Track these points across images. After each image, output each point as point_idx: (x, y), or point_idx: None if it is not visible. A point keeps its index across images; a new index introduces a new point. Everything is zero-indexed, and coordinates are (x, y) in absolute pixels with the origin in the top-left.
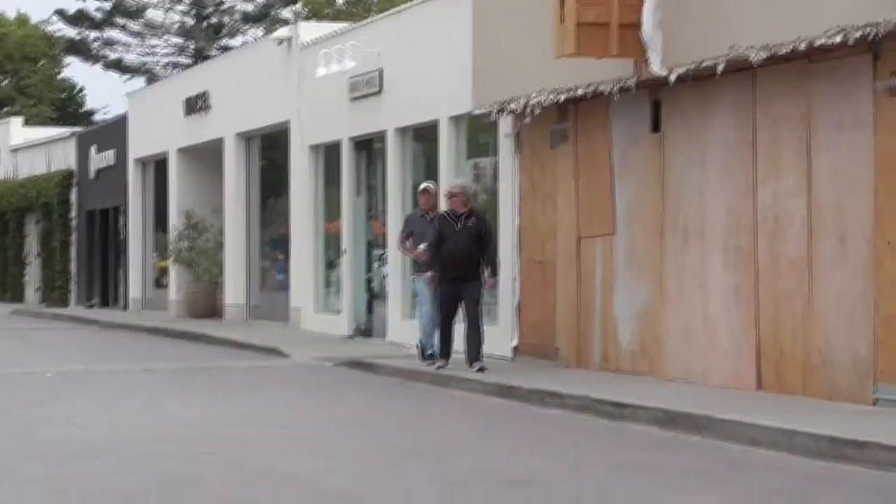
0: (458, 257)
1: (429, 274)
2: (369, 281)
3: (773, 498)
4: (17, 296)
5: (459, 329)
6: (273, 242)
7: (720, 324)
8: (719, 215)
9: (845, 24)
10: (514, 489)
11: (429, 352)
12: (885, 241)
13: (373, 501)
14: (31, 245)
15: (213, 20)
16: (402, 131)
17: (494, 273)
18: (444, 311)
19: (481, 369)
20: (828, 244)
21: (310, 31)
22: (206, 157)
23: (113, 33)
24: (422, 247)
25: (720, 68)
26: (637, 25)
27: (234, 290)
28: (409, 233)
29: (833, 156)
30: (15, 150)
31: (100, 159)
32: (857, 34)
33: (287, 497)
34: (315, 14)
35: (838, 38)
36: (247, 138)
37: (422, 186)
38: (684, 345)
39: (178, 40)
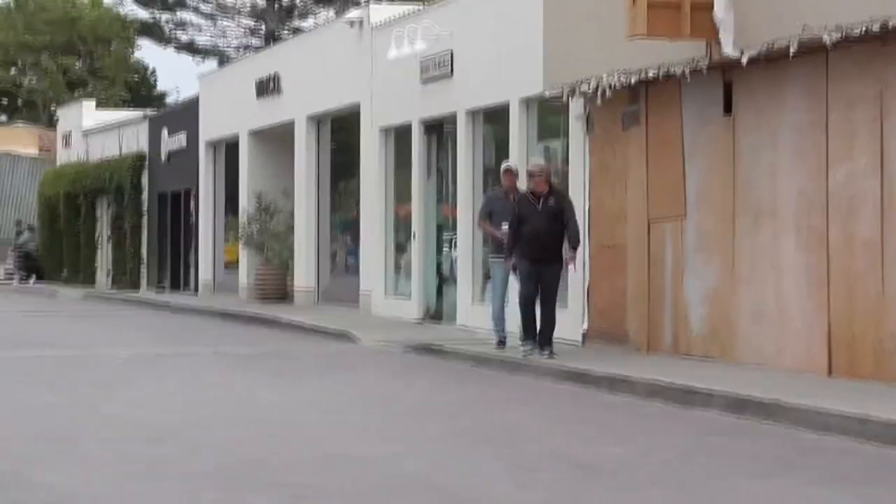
0: (538, 238)
1: (509, 262)
2: (439, 265)
3: (844, 483)
4: (89, 279)
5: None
6: (343, 225)
7: (792, 306)
8: (791, 197)
9: None
10: (585, 474)
11: (498, 337)
12: None
13: (445, 485)
14: (103, 228)
15: (285, 2)
16: (472, 113)
17: (574, 246)
18: (524, 292)
19: (550, 355)
20: None
21: (381, 12)
22: (277, 139)
23: (185, 15)
24: (504, 227)
25: (792, 49)
26: (709, 6)
27: (304, 273)
28: (490, 212)
29: None
30: (87, 133)
31: (171, 142)
32: None
33: (359, 481)
34: None
35: None
36: (317, 120)
37: (504, 165)
38: (755, 327)
39: (249, 22)
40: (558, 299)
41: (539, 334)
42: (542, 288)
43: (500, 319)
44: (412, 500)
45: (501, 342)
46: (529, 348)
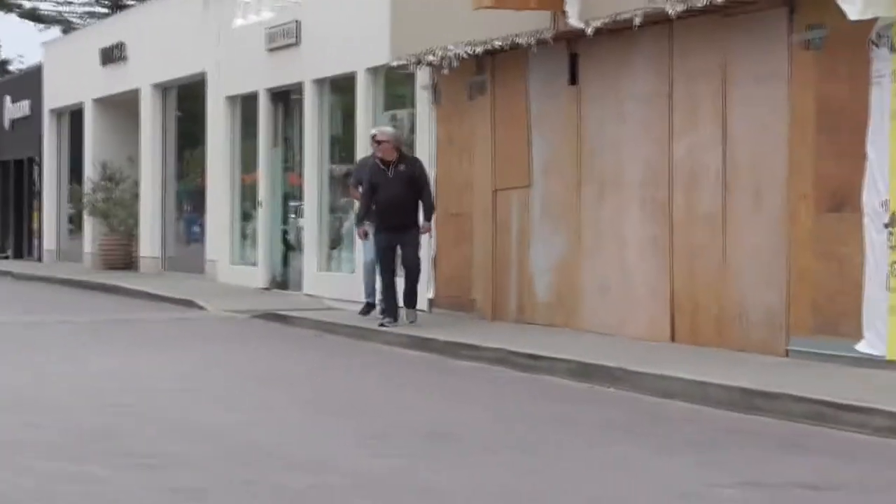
0: (392, 206)
1: (360, 229)
2: (285, 233)
3: (686, 448)
4: None
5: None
6: (189, 194)
7: (636, 276)
8: (636, 168)
9: None
10: (433, 441)
11: (366, 300)
12: (799, 194)
13: (293, 453)
14: None
15: None
16: (319, 83)
17: (428, 217)
18: (383, 264)
19: (414, 320)
20: (742, 197)
21: None
22: (123, 108)
23: None
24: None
25: (637, 21)
26: None
27: (149, 241)
28: (360, 179)
29: (749, 109)
30: None
31: (14, 109)
32: None
33: (206, 450)
34: None
35: None
36: (163, 89)
37: (372, 132)
38: (600, 297)
39: None
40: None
41: (404, 298)
42: (403, 254)
43: (369, 284)
44: (260, 469)
45: (369, 306)
46: (389, 320)
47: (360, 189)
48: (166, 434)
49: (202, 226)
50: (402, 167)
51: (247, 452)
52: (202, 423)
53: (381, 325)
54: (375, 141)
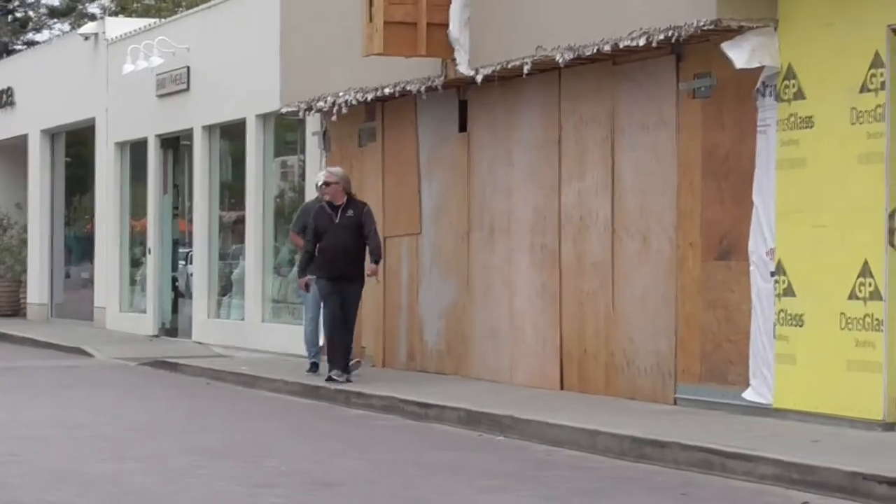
0: (338, 253)
1: (301, 281)
2: (174, 280)
3: (574, 497)
4: None
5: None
6: (78, 240)
7: (525, 323)
8: (526, 214)
9: (649, 26)
10: (321, 490)
11: (311, 361)
12: (687, 241)
13: (176, 502)
14: None
15: (19, 14)
16: (208, 129)
17: (376, 260)
18: (329, 316)
19: (348, 380)
20: (631, 244)
21: (117, 26)
22: (10, 153)
23: None
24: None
25: (526, 68)
26: (445, 25)
27: (37, 288)
28: (304, 225)
29: (637, 156)
30: None
31: None
32: (661, 36)
33: (88, 498)
34: (123, 9)
35: (642, 41)
36: (52, 135)
37: (320, 176)
38: (490, 344)
39: None
40: (292, 314)
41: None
42: (344, 307)
43: (312, 342)
44: None
45: (314, 366)
46: (337, 372)
47: (303, 235)
48: (48, 482)
49: (90, 272)
50: (349, 212)
51: (134, 501)
52: (90, 472)
53: (330, 378)
54: (324, 183)
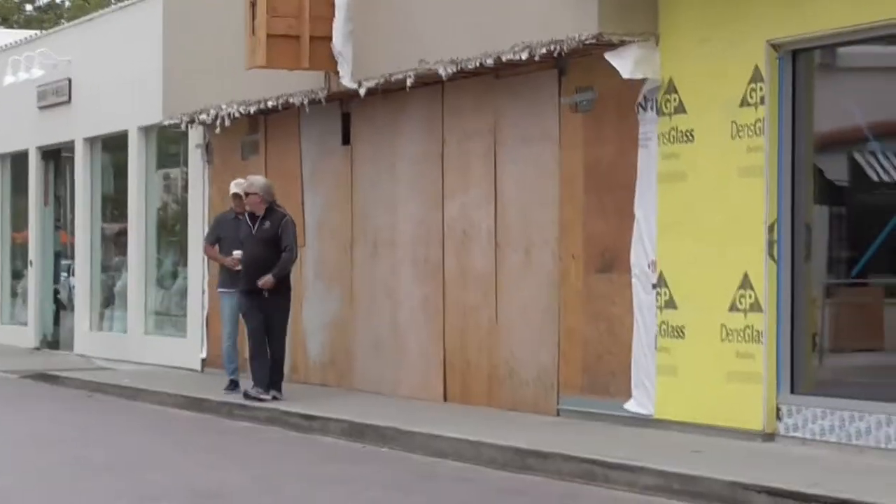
0: (253, 265)
1: (231, 259)
2: (56, 292)
3: None
4: None
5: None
6: None
7: (409, 335)
8: (409, 227)
9: (531, 39)
10: (205, 502)
11: (229, 378)
12: (569, 254)
13: None
14: None
15: None
16: (90, 141)
17: (275, 274)
18: (250, 332)
19: (278, 395)
20: (514, 257)
21: None
22: None
23: None
24: (236, 254)
25: (409, 82)
26: (328, 38)
27: None
28: (218, 237)
29: (520, 169)
30: None
31: None
32: (543, 50)
33: None
34: (4, 20)
35: (524, 55)
36: None
37: (233, 188)
38: (374, 356)
39: None
40: (175, 326)
41: (270, 374)
42: (269, 323)
43: (230, 358)
44: None
45: (233, 383)
46: (259, 390)
47: (217, 248)
48: None
49: None
50: (266, 224)
51: None
52: None
53: (246, 394)
54: (244, 193)
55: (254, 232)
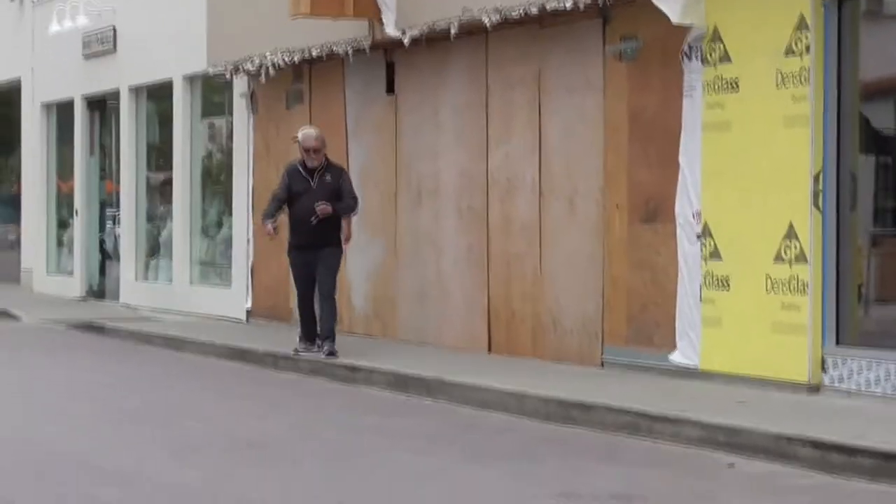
0: (310, 220)
1: (268, 224)
2: (102, 242)
3: (501, 459)
4: None
5: None
6: (4, 202)
7: (453, 285)
8: (453, 176)
9: None
10: (246, 451)
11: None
12: (614, 203)
13: (103, 465)
14: None
15: None
16: (135, 90)
17: (340, 210)
18: (299, 285)
19: (331, 353)
20: (558, 206)
21: None
22: None
23: None
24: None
25: (453, 30)
26: None
27: None
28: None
29: (564, 119)
30: None
31: None
32: None
33: (14, 461)
34: None
35: (569, 3)
36: None
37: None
38: (418, 306)
39: None
40: (220, 276)
41: (319, 327)
42: (319, 280)
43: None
44: (71, 480)
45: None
46: (305, 345)
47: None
48: None
49: (17, 233)
50: (327, 177)
51: (59, 464)
52: (13, 436)
53: (295, 350)
54: (313, 150)
55: (314, 185)
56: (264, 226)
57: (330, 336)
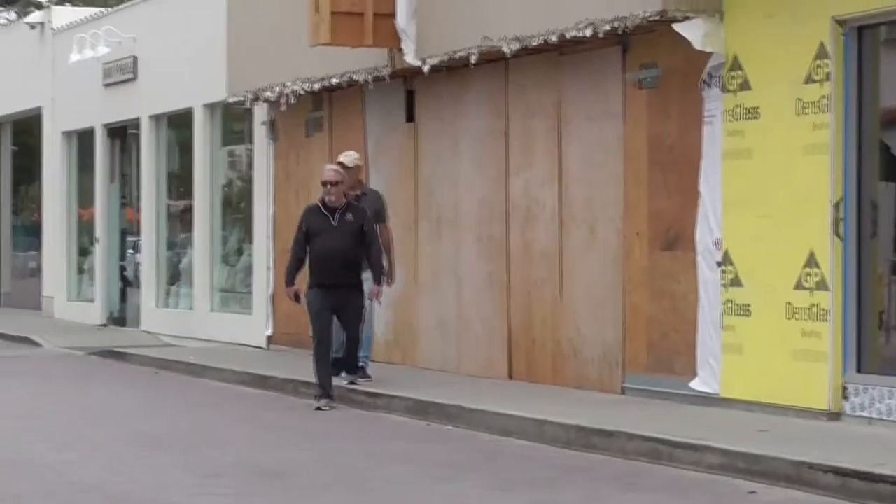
0: (330, 259)
1: (290, 290)
2: (123, 269)
3: (523, 486)
4: None
5: None
6: (25, 230)
7: (473, 313)
8: (472, 204)
9: (595, 17)
10: (267, 479)
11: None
12: (633, 231)
13: (125, 491)
14: None
15: None
16: (156, 118)
17: (378, 280)
18: (317, 331)
19: (356, 379)
20: (578, 234)
21: (64, 15)
22: None
23: None
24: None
25: (473, 59)
26: (392, 15)
27: None
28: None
29: (584, 146)
30: None
31: None
32: (607, 27)
33: (34, 487)
34: None
35: (588, 31)
36: None
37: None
38: (438, 334)
39: None
40: (240, 304)
41: (345, 361)
42: (344, 323)
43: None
44: None
45: (338, 360)
46: (326, 401)
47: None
48: None
49: (38, 262)
50: (349, 216)
51: (79, 490)
52: (35, 461)
53: (318, 408)
54: (329, 182)
55: (333, 223)
56: (287, 286)
57: (355, 365)
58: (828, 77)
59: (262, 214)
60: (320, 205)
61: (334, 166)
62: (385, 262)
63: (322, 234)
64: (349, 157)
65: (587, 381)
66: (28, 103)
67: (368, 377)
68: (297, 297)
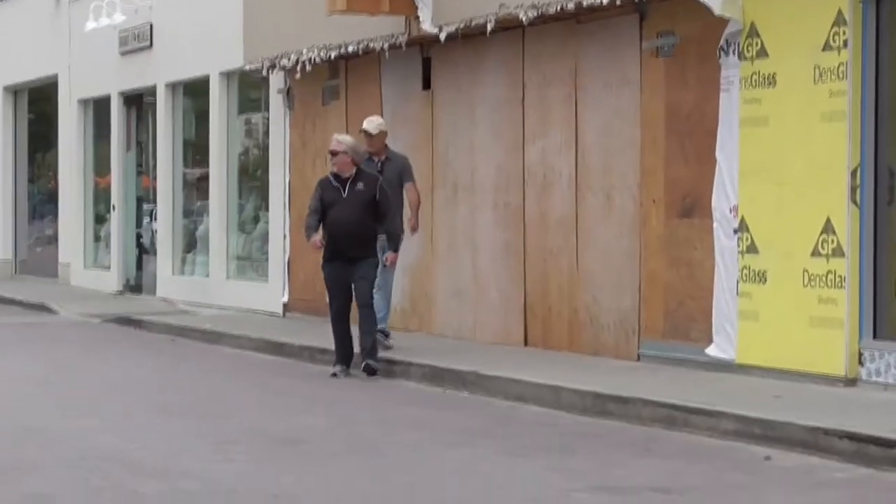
0: (343, 231)
1: (314, 238)
2: (139, 236)
3: (538, 452)
4: None
5: None
6: (42, 197)
7: (489, 280)
8: (489, 172)
9: None
10: (284, 446)
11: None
12: (650, 198)
13: (140, 459)
14: None
15: None
16: (172, 86)
17: (395, 248)
18: (333, 302)
19: (372, 371)
20: (595, 202)
21: None
22: None
23: None
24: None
25: (490, 26)
26: None
27: (1, 244)
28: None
29: (600, 114)
30: None
31: None
32: None
33: (52, 455)
34: None
35: None
36: (14, 91)
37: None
38: (454, 301)
39: None
40: (257, 271)
41: (361, 344)
42: (356, 286)
43: (380, 309)
44: (110, 474)
45: (382, 333)
46: (341, 368)
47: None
48: (11, 438)
49: (55, 229)
50: (359, 185)
51: (97, 458)
52: (52, 429)
53: (333, 375)
54: (330, 152)
55: (344, 195)
56: (309, 240)
57: (371, 352)
58: (845, 44)
59: (279, 182)
60: (331, 177)
61: (341, 136)
62: (412, 222)
63: (335, 205)
64: (372, 123)
65: (603, 348)
66: (44, 71)
67: (388, 345)
68: (321, 244)
